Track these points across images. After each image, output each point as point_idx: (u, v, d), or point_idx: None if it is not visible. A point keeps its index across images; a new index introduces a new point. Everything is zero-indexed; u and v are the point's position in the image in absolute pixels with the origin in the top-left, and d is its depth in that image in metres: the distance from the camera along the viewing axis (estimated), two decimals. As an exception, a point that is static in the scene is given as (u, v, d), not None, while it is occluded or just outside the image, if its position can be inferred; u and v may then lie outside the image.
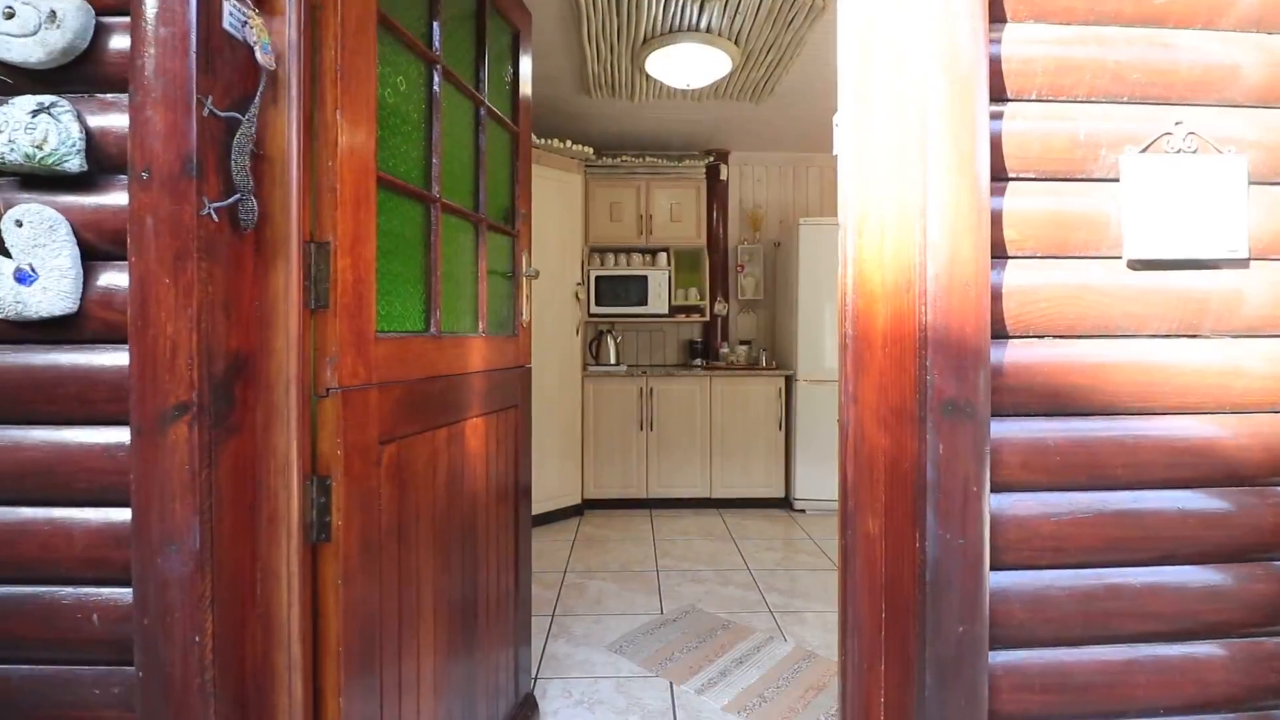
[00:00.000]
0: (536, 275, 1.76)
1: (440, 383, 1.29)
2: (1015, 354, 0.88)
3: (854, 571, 0.95)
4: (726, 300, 4.60)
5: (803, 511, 4.02)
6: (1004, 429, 0.87)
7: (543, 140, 3.46)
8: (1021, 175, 0.89)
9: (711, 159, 4.43)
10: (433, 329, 1.29)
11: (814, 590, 2.76)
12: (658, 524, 3.76)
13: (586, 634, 2.35)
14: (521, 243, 1.75)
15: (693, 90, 3.39)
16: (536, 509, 3.64)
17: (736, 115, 3.86)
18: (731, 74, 3.16)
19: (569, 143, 3.57)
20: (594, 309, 4.25)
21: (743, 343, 4.59)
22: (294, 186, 0.93)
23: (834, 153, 1.04)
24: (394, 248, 1.18)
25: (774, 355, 4.51)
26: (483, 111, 1.53)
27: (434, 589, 1.29)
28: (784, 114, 3.83)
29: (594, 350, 4.25)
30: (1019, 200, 0.88)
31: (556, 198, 3.74)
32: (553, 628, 2.41)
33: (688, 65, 2.91)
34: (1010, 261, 0.88)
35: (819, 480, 3.98)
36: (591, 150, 3.76)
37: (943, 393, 0.81)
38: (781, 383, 4.08)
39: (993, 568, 0.86)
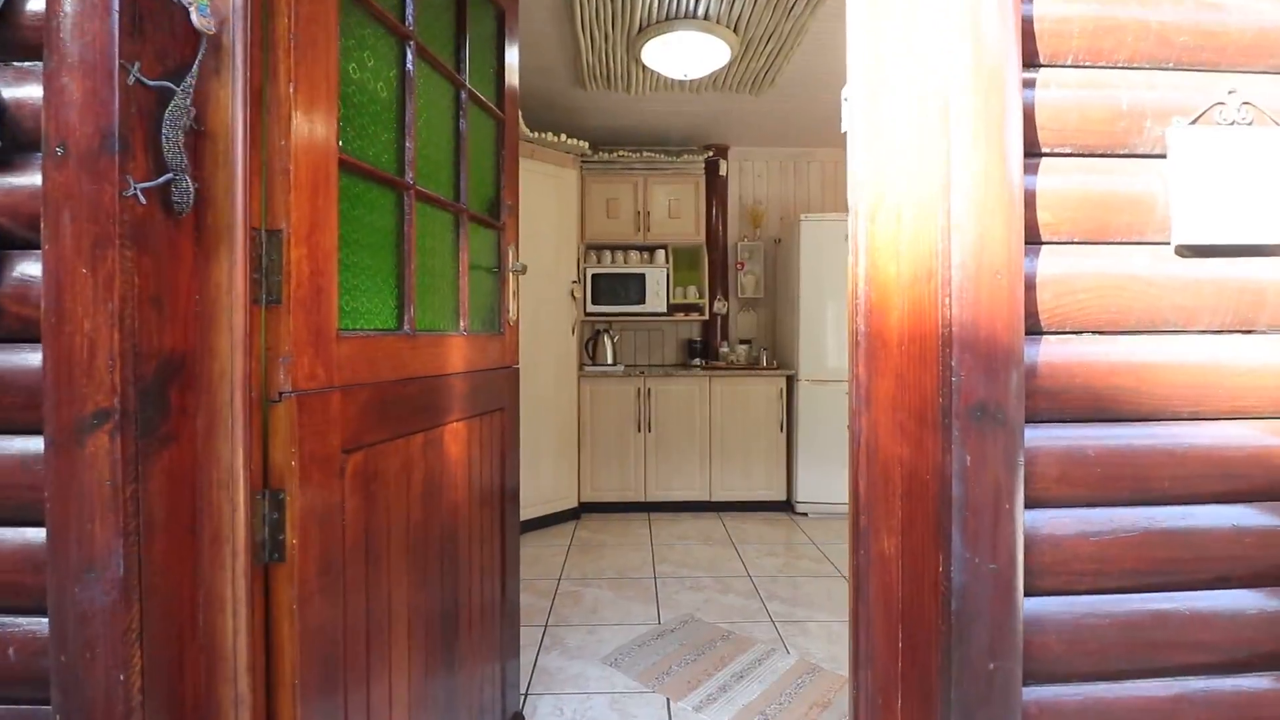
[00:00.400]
0: (524, 270, 1.67)
1: (415, 385, 1.19)
2: (1050, 352, 0.78)
3: (867, 596, 0.85)
4: (726, 298, 4.50)
5: (804, 515, 3.92)
6: (1038, 437, 0.77)
7: (536, 134, 3.37)
8: (1057, 150, 0.79)
9: (710, 154, 4.33)
10: (406, 327, 1.19)
11: (817, 598, 2.66)
12: (656, 528, 3.66)
13: (580, 646, 2.25)
14: (508, 236, 1.65)
15: (691, 81, 3.29)
16: (531, 513, 3.55)
17: (736, 108, 3.76)
18: (730, 64, 3.06)
19: (563, 136, 3.47)
20: (590, 308, 4.15)
21: (743, 342, 4.49)
22: (239, 167, 0.83)
23: (842, 129, 0.94)
24: (361, 238, 1.08)
25: (775, 355, 4.42)
26: (464, 95, 1.43)
27: (409, 606, 1.19)
28: (784, 106, 3.73)
29: (590, 350, 4.15)
30: (1054, 179, 0.78)
31: (551, 193, 3.64)
32: (545, 639, 2.31)
33: (685, 54, 2.81)
34: (1044, 248, 0.78)
35: (821, 483, 3.88)
36: (587, 144, 3.66)
37: (970, 396, 0.71)
38: (783, 383, 3.98)
39: (1025, 593, 0.76)
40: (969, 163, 0.73)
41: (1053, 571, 0.78)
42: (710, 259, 4.39)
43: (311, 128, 0.93)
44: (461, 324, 1.41)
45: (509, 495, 1.68)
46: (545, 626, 2.40)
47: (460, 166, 1.42)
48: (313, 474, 0.93)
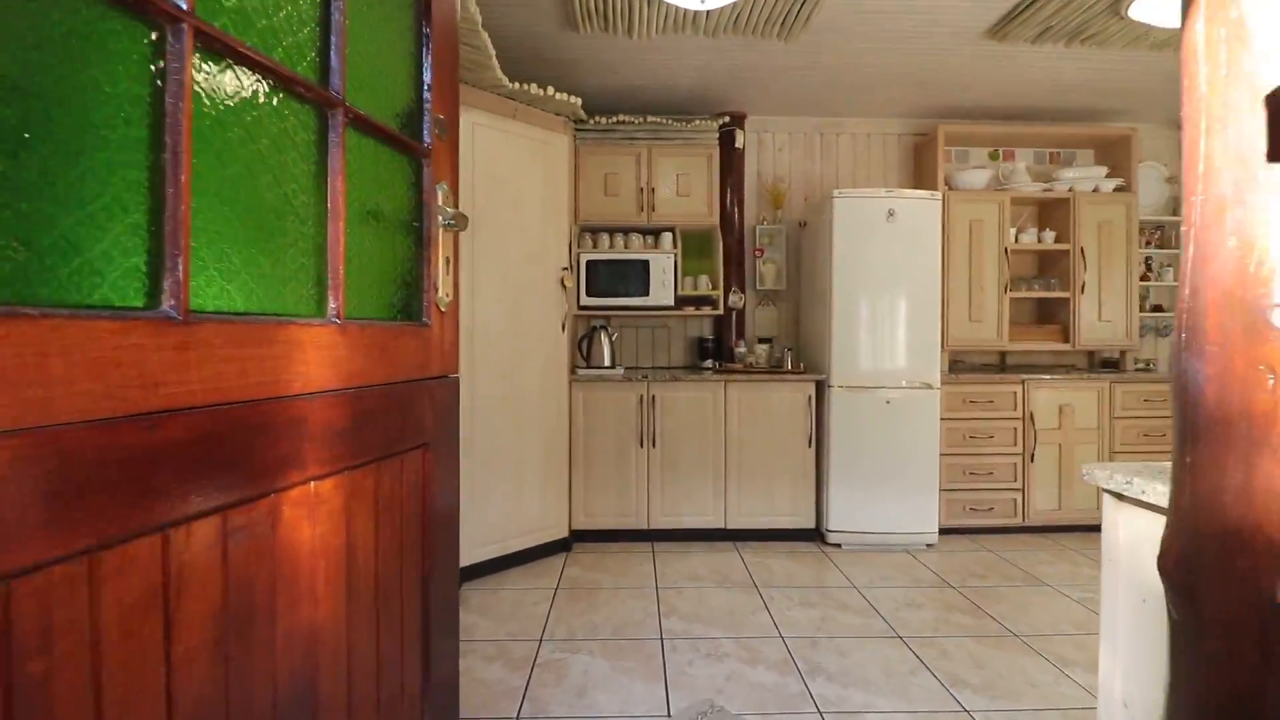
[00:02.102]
0: (463, 225, 1.06)
1: (186, 424, 0.59)
2: None
3: None
4: (742, 290, 3.89)
5: (837, 546, 3.31)
6: None
7: (518, 85, 2.76)
8: None
9: (726, 121, 3.72)
10: (168, 305, 0.58)
11: (871, 672, 2.05)
12: (661, 563, 3.05)
13: (561, 754, 1.65)
14: (439, 169, 1.04)
15: (707, 21, 2.68)
16: (512, 546, 2.94)
17: (759, 62, 3.15)
18: (758, -9, 2.45)
19: (550, 90, 2.85)
20: (584, 300, 3.55)
21: (762, 341, 3.88)
22: None
23: None
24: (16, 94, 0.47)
25: (800, 356, 3.80)
26: (342, -94, 0.82)
27: None
28: (816, 60, 3.12)
29: (584, 350, 3.54)
30: None
31: (537, 163, 3.04)
32: (515, 741, 1.70)
33: (702, -27, 2.21)
34: None
35: (857, 508, 3.28)
36: (579, 102, 3.05)
37: None
38: (811, 389, 3.37)
39: None
40: None
41: None
42: (725, 244, 3.78)
43: None
44: (331, 306, 0.80)
45: (440, 577, 1.07)
46: (516, 720, 1.80)
47: (331, 28, 0.81)
48: None
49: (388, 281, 0.94)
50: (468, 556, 2.75)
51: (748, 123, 3.95)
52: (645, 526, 3.32)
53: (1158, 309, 4.11)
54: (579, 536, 3.32)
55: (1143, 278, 3.95)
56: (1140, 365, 4.00)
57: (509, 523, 2.93)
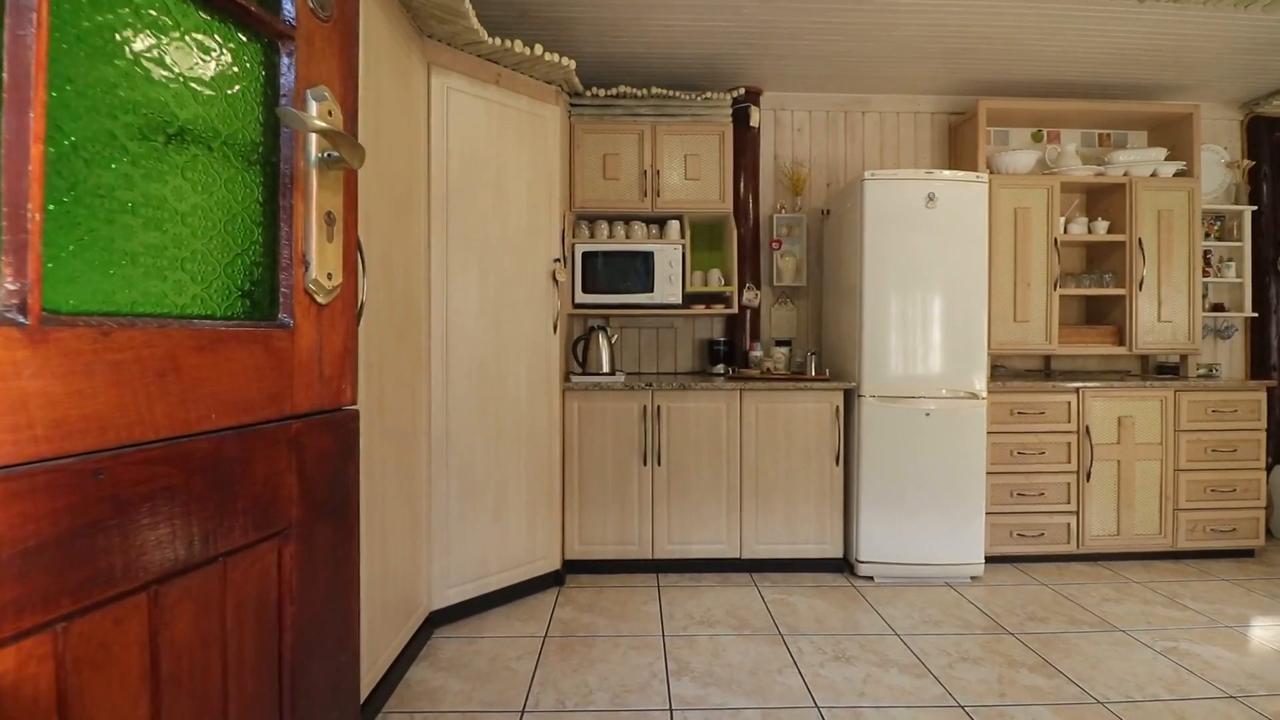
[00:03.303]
0: (357, 160, 0.64)
1: None
2: None
3: None
4: (758, 286, 3.47)
5: (869, 579, 2.89)
6: None
7: (499, 41, 2.34)
8: None
9: (740, 94, 3.30)
10: None
11: (935, 761, 1.63)
12: (668, 601, 2.64)
13: None
14: (315, 64, 0.63)
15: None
16: (494, 583, 2.53)
17: (777, 22, 2.73)
18: (787, -78, 2.03)
19: (538, 49, 2.43)
20: (580, 297, 3.13)
21: (780, 343, 3.46)
22: None
23: None
24: None
25: (824, 361, 3.39)
26: None
27: None
28: (841, 20, 2.71)
29: (580, 354, 3.13)
30: None
31: (524, 139, 2.62)
32: None
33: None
34: None
35: (890, 535, 2.86)
36: (574, 66, 2.62)
37: None
38: (838, 399, 2.94)
39: None
40: None
41: None
42: (738, 235, 3.36)
43: None
44: (8, 287, 0.38)
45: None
46: (484, 840, 1.38)
47: None
48: None
49: (195, 249, 0.52)
50: (438, 599, 2.33)
51: (763, 99, 3.53)
52: (649, 556, 2.90)
53: (1218, 308, 3.69)
54: (573, 568, 2.91)
55: (1201, 273, 3.53)
56: (1203, 371, 3.58)
57: (490, 555, 2.51)
